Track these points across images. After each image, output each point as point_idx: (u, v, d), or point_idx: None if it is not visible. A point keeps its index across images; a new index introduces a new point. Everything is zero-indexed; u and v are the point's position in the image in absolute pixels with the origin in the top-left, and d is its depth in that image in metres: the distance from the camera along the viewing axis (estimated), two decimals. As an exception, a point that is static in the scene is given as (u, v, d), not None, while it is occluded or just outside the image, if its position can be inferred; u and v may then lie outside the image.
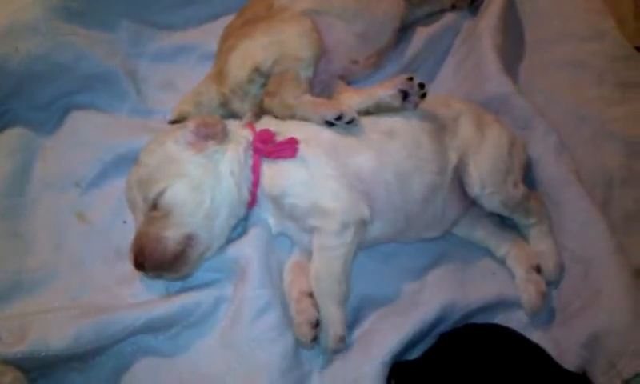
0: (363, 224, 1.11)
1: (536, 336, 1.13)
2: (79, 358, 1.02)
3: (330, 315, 1.08)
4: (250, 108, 1.29)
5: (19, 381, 0.98)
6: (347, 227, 1.09)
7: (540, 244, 1.24)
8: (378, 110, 1.22)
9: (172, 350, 1.06)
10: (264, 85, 1.27)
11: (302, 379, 1.06)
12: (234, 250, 1.12)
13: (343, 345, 1.10)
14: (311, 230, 1.11)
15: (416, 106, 1.20)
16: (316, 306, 1.09)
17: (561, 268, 1.22)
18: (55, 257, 1.16)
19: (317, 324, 1.07)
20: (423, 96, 1.20)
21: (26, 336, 0.99)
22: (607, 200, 1.34)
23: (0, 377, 0.96)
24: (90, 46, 1.34)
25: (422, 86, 1.19)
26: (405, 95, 1.19)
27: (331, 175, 1.12)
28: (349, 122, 1.17)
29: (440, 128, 1.24)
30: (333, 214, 1.09)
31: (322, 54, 1.31)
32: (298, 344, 1.08)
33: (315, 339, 1.07)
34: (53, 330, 0.99)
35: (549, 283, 1.21)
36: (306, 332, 1.06)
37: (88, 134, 1.30)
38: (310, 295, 1.10)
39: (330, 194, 1.10)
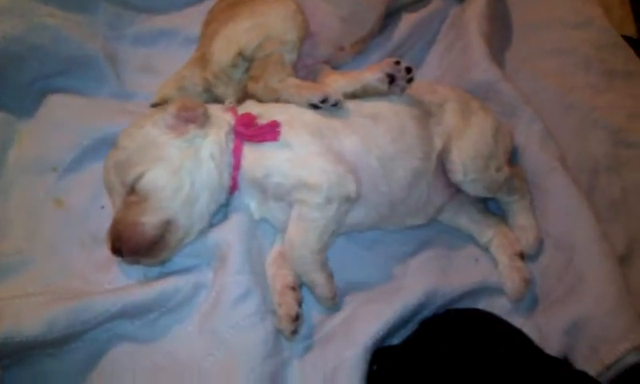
0: (348, 200, 1.10)
1: (518, 322, 1.12)
2: (53, 344, 1.00)
3: (312, 279, 1.08)
4: (234, 92, 1.27)
5: None
6: (331, 202, 1.07)
7: (520, 219, 1.26)
8: (364, 93, 1.20)
9: (149, 335, 1.04)
10: (248, 69, 1.25)
11: (282, 365, 1.05)
12: (214, 236, 1.10)
13: (335, 303, 1.10)
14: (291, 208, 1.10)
15: (403, 90, 1.19)
16: (298, 300, 1.08)
17: (540, 242, 1.23)
18: (30, 242, 1.13)
19: (297, 317, 1.06)
20: (410, 80, 1.18)
21: None
22: (592, 187, 1.34)
23: None
24: (67, 28, 1.30)
25: (408, 70, 1.18)
26: (391, 79, 1.17)
27: (316, 152, 1.10)
28: (334, 105, 1.15)
29: (425, 114, 1.23)
30: (318, 187, 1.07)
31: (306, 37, 1.29)
32: (280, 334, 1.07)
33: (296, 332, 1.06)
34: (26, 316, 0.97)
35: (529, 257, 1.22)
36: (287, 326, 1.06)
37: (66, 118, 1.26)
38: (293, 288, 1.09)
39: (316, 169, 1.09)
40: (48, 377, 1.01)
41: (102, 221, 1.09)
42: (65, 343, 1.01)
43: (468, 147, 1.21)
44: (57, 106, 1.28)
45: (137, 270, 1.09)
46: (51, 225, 1.16)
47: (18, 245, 1.12)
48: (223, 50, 1.25)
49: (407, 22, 1.54)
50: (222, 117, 1.16)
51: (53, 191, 1.19)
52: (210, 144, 1.11)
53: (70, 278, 1.09)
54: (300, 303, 1.08)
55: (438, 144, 1.21)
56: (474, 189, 1.21)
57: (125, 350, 1.03)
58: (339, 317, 1.12)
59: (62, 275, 1.09)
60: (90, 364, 1.02)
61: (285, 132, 1.12)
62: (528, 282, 1.17)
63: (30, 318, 0.97)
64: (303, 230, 1.08)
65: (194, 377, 1.01)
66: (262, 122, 1.13)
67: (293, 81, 1.21)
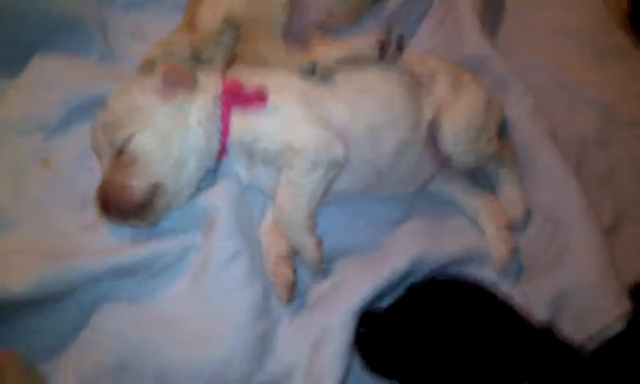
0: (335, 165, 1.10)
1: (504, 290, 1.13)
2: (41, 302, 0.99)
3: (301, 244, 1.08)
4: (222, 58, 1.25)
5: None
6: (318, 166, 1.07)
7: (508, 190, 1.27)
8: (354, 62, 1.19)
9: (137, 297, 1.04)
10: (236, 34, 1.24)
11: (271, 327, 1.05)
12: (202, 200, 1.10)
13: (322, 268, 1.11)
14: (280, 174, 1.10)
15: (393, 59, 1.18)
16: (292, 268, 1.08)
17: (527, 213, 1.24)
18: (16, 203, 1.12)
19: (293, 285, 1.07)
20: (400, 49, 1.17)
21: None
22: (580, 163, 1.36)
23: None
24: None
25: (400, 38, 1.17)
26: (382, 47, 1.16)
27: (303, 117, 1.10)
28: (322, 73, 1.14)
29: (415, 85, 1.22)
30: (305, 152, 1.07)
31: (296, 2, 1.27)
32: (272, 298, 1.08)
33: (292, 299, 1.07)
34: (13, 274, 0.97)
35: (516, 228, 1.23)
36: (284, 295, 1.07)
37: (53, 78, 1.25)
38: (288, 257, 1.09)
39: (303, 134, 1.08)
40: (35, 335, 1.01)
41: (90, 182, 1.08)
42: (52, 302, 1.01)
43: (459, 118, 1.20)
44: (44, 67, 1.26)
45: (125, 233, 1.08)
46: (38, 185, 1.14)
47: (3, 204, 1.11)
48: (210, 15, 1.24)
49: (400, -8, 1.53)
50: (210, 82, 1.15)
51: (40, 151, 1.18)
52: (198, 109, 1.10)
53: (56, 238, 1.08)
54: (294, 271, 1.08)
55: (428, 115, 1.21)
56: (464, 160, 1.21)
57: (112, 311, 1.03)
58: (328, 282, 1.12)
59: (49, 235, 1.08)
60: (78, 323, 1.02)
61: (272, 98, 1.11)
62: (514, 252, 1.18)
63: (17, 276, 0.97)
64: (292, 194, 1.08)
65: (183, 337, 1.01)
66: (250, 87, 1.12)
67: (281, 47, 1.19)
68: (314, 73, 1.15)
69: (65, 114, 1.21)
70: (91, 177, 1.11)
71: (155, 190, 1.05)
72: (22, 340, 1.00)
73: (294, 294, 1.07)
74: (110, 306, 1.03)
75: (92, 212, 1.06)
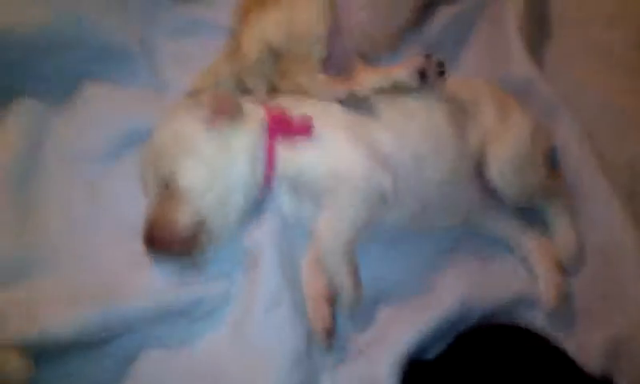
0: (383, 197, 1.08)
1: (558, 338, 1.09)
2: (86, 346, 1.00)
3: (339, 276, 1.06)
4: (265, 86, 1.25)
5: (24, 367, 0.95)
6: (364, 195, 1.05)
7: (560, 228, 1.22)
8: (395, 90, 1.17)
9: (181, 341, 1.04)
10: (277, 64, 1.23)
11: (313, 374, 1.04)
12: (246, 239, 1.09)
13: (358, 306, 1.07)
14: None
15: (434, 85, 1.16)
16: (332, 313, 1.06)
17: (580, 254, 1.20)
18: (65, 235, 1.12)
19: (332, 327, 1.05)
20: (442, 74, 1.15)
21: (33, 321, 0.97)
22: (632, 192, 1.30)
23: (4, 364, 0.94)
24: (102, 16, 1.28)
25: (440, 64, 1.15)
26: (423, 74, 1.14)
27: (349, 148, 1.08)
28: (362, 102, 1.13)
29: (459, 111, 1.20)
30: (350, 179, 1.05)
31: (337, 30, 1.26)
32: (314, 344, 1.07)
33: (331, 345, 1.05)
34: (59, 317, 0.97)
35: (568, 272, 1.18)
36: (323, 339, 1.05)
37: (100, 108, 1.25)
38: (327, 297, 1.07)
39: (349, 162, 1.07)
40: (79, 378, 1.01)
41: (138, 215, 1.07)
42: (97, 346, 1.01)
43: (506, 149, 1.17)
44: (92, 97, 1.27)
45: (170, 273, 1.07)
46: (86, 218, 1.15)
47: (54, 238, 1.12)
48: (252, 43, 1.23)
49: (443, 15, 1.49)
50: (255, 111, 1.14)
51: (88, 183, 1.18)
52: (243, 139, 1.09)
53: (104, 275, 1.08)
54: (334, 316, 1.06)
55: (473, 143, 1.18)
56: (511, 192, 1.18)
57: (156, 356, 1.03)
58: (372, 327, 1.10)
59: (96, 272, 1.08)
60: (122, 367, 1.02)
61: (317, 127, 1.09)
62: (566, 296, 1.14)
63: (62, 320, 0.97)
64: (333, 221, 1.06)
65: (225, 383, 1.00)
66: (293, 118, 1.11)
67: (321, 76, 1.19)
68: (355, 101, 1.14)
69: (113, 146, 1.21)
70: (138, 209, 1.10)
71: (199, 226, 1.03)
72: (67, 382, 1.01)
73: (333, 336, 1.05)
74: (153, 351, 1.03)
75: (138, 246, 1.05)
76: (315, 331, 1.04)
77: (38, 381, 0.97)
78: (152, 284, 1.05)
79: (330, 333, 1.04)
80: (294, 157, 1.09)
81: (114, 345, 1.02)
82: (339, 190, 1.06)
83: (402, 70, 1.16)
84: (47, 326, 0.96)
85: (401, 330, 1.06)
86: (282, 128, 1.10)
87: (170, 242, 1.02)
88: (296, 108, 1.14)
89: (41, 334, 0.95)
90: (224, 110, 1.08)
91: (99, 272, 1.08)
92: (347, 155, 1.08)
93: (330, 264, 1.06)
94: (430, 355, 1.06)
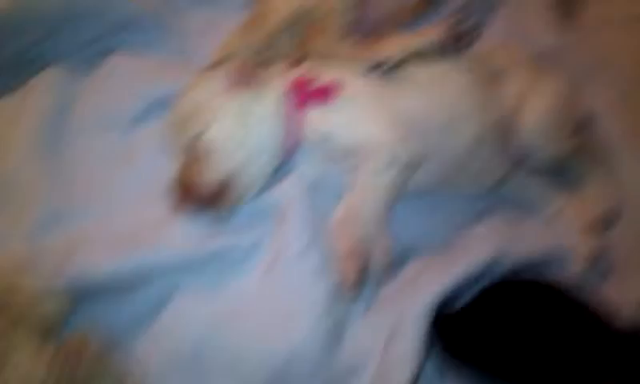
0: (410, 165, 1.07)
1: (588, 293, 1.08)
2: (120, 290, 1.03)
3: (371, 243, 1.05)
4: (289, 54, 1.25)
5: (61, 309, 1.00)
6: (394, 163, 1.05)
7: (592, 188, 1.21)
8: (424, 55, 1.17)
9: (211, 288, 1.06)
10: (303, 31, 1.23)
11: (342, 320, 1.04)
12: (273, 193, 1.11)
13: (390, 270, 1.08)
14: (354, 171, 1.08)
15: (465, 49, 1.14)
16: (360, 265, 1.04)
17: (612, 212, 1.18)
18: (94, 195, 1.16)
19: (359, 282, 1.03)
20: (471, 40, 1.14)
21: (68, 265, 1.01)
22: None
23: (43, 304, 0.98)
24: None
25: (470, 29, 1.14)
26: (453, 39, 1.13)
27: (375, 115, 1.08)
28: (391, 68, 1.12)
29: (490, 77, 1.19)
30: (380, 148, 1.05)
31: None
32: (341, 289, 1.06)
33: (358, 295, 1.05)
34: (96, 260, 1.02)
35: (605, 226, 1.17)
36: (352, 291, 1.03)
37: (126, 76, 1.28)
38: (356, 254, 1.04)
39: (378, 130, 1.07)
40: (111, 320, 1.04)
41: (165, 177, 1.10)
42: (129, 291, 1.05)
43: (536, 114, 1.16)
44: (118, 65, 1.30)
45: (198, 225, 1.09)
46: (114, 180, 1.18)
47: (84, 198, 1.15)
48: (278, 12, 1.24)
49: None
50: (278, 78, 1.15)
51: (116, 147, 1.21)
52: (266, 106, 1.10)
53: (135, 227, 1.10)
54: (364, 267, 1.05)
55: (503, 109, 1.17)
56: (543, 156, 1.17)
57: (186, 302, 1.05)
58: (402, 276, 1.10)
59: (128, 224, 1.11)
60: (154, 313, 1.05)
61: (342, 94, 1.10)
62: (597, 253, 1.13)
63: (97, 262, 1.02)
64: (365, 191, 1.05)
65: (254, 329, 1.02)
66: (318, 83, 1.11)
67: (348, 43, 1.18)
68: (384, 67, 1.13)
69: (140, 111, 1.24)
70: (165, 171, 1.12)
71: (228, 182, 1.06)
72: (98, 325, 1.03)
73: (360, 289, 1.05)
74: (182, 298, 1.05)
75: (166, 206, 1.09)
76: (344, 283, 1.04)
77: (73, 322, 1.02)
78: (182, 234, 1.08)
79: (357, 285, 1.04)
80: (318, 122, 1.10)
81: (146, 290, 1.05)
82: (370, 160, 1.05)
83: (432, 35, 1.15)
84: (83, 268, 1.01)
85: (429, 281, 1.06)
86: (306, 92, 1.11)
87: (199, 197, 1.05)
88: (322, 73, 1.14)
89: (77, 276, 1.00)
90: (246, 77, 1.11)
91: (131, 225, 1.11)
92: (375, 122, 1.08)
93: (361, 232, 1.05)
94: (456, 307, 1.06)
